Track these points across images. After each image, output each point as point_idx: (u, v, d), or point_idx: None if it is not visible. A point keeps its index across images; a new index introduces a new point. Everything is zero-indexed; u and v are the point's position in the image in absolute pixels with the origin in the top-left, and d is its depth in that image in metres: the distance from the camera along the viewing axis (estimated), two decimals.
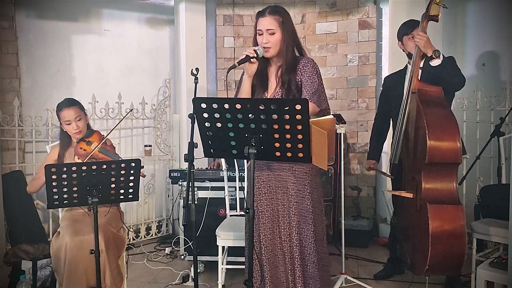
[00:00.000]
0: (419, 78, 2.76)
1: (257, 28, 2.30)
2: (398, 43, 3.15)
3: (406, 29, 3.06)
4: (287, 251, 2.28)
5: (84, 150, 2.74)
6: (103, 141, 2.77)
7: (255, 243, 2.30)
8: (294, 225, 2.27)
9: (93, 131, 2.87)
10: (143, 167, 2.48)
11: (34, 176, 2.96)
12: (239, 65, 2.20)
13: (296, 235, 2.27)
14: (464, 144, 3.07)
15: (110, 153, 2.75)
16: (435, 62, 2.67)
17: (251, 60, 2.21)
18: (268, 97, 2.31)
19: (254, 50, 2.22)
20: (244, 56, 2.21)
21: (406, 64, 3.17)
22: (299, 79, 2.30)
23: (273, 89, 2.34)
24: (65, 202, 2.35)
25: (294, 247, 2.27)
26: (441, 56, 2.67)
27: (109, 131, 2.87)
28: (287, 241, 2.28)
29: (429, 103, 2.58)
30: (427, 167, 2.49)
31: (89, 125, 2.91)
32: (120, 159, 2.68)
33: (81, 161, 2.68)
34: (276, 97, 2.29)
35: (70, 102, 2.82)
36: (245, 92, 2.31)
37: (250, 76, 2.27)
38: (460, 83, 2.80)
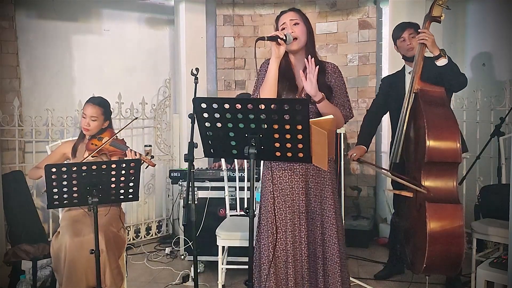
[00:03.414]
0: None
1: (280, 24, 2.27)
2: (394, 46, 3.17)
3: (398, 32, 3.08)
4: (309, 252, 2.22)
5: (96, 145, 2.79)
6: (114, 137, 2.83)
7: (270, 244, 2.23)
8: (318, 225, 2.22)
9: (106, 128, 2.90)
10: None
11: (39, 163, 2.96)
12: (267, 40, 2.14)
13: (319, 235, 2.22)
14: (465, 142, 3.07)
15: (120, 145, 2.79)
16: (441, 62, 2.66)
17: (279, 41, 2.15)
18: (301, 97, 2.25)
19: (284, 34, 2.17)
20: (274, 34, 2.15)
21: (404, 66, 3.17)
22: (329, 83, 2.27)
23: (301, 89, 2.26)
24: (65, 202, 2.35)
25: (318, 247, 2.22)
26: (447, 56, 2.66)
27: (120, 129, 2.98)
28: (311, 242, 2.22)
29: (430, 103, 2.57)
30: (426, 166, 2.50)
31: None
32: (129, 149, 2.72)
33: (91, 156, 2.74)
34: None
35: (97, 101, 2.88)
36: (272, 76, 2.19)
37: (278, 58, 2.18)
38: (465, 83, 2.81)
